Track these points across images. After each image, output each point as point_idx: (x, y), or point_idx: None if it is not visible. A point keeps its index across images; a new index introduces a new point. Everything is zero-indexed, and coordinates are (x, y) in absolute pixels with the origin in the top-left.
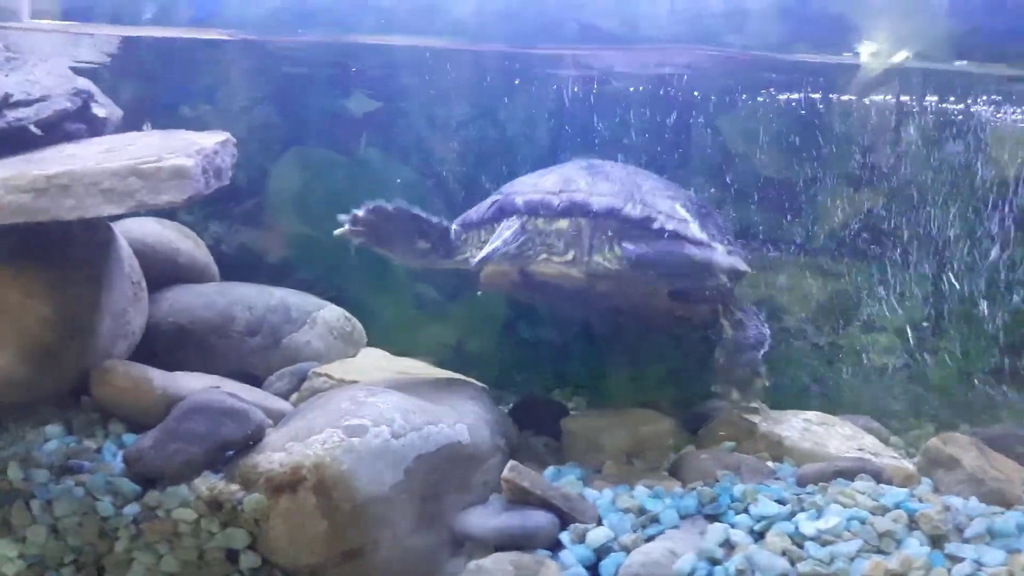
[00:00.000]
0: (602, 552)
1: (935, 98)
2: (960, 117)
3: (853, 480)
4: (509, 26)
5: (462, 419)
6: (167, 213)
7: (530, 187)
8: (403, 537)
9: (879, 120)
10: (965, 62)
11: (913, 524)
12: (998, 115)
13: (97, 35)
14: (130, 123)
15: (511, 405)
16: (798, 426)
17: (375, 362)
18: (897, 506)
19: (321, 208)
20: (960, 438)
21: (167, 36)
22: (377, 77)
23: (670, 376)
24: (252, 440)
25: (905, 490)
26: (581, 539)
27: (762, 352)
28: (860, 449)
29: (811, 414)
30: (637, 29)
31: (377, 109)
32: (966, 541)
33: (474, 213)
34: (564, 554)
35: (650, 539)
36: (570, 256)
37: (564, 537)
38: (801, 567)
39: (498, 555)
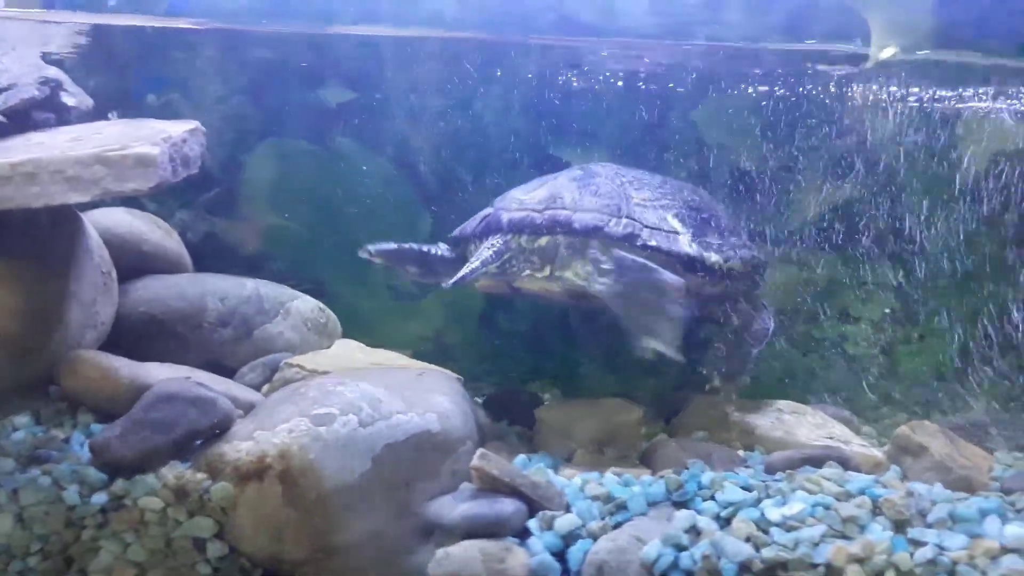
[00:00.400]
0: (570, 539)
1: (916, 89)
2: (933, 108)
3: (820, 467)
4: (486, 16)
5: (432, 408)
6: (140, 203)
7: (517, 203)
8: (372, 525)
9: (853, 111)
10: (953, 54)
11: (877, 510)
12: (970, 106)
13: (70, 24)
14: (102, 112)
15: (486, 396)
16: (770, 415)
17: (349, 353)
18: (862, 492)
19: (296, 199)
20: (929, 426)
21: (141, 25)
22: (353, 68)
23: (644, 366)
24: (219, 429)
25: (870, 477)
26: (549, 526)
27: (760, 347)
28: (830, 437)
29: (783, 403)
30: (615, 21)
31: (352, 100)
32: (929, 526)
33: (468, 226)
34: (532, 541)
35: (618, 526)
36: (547, 272)
37: (532, 524)
38: (765, 552)
39: (466, 542)
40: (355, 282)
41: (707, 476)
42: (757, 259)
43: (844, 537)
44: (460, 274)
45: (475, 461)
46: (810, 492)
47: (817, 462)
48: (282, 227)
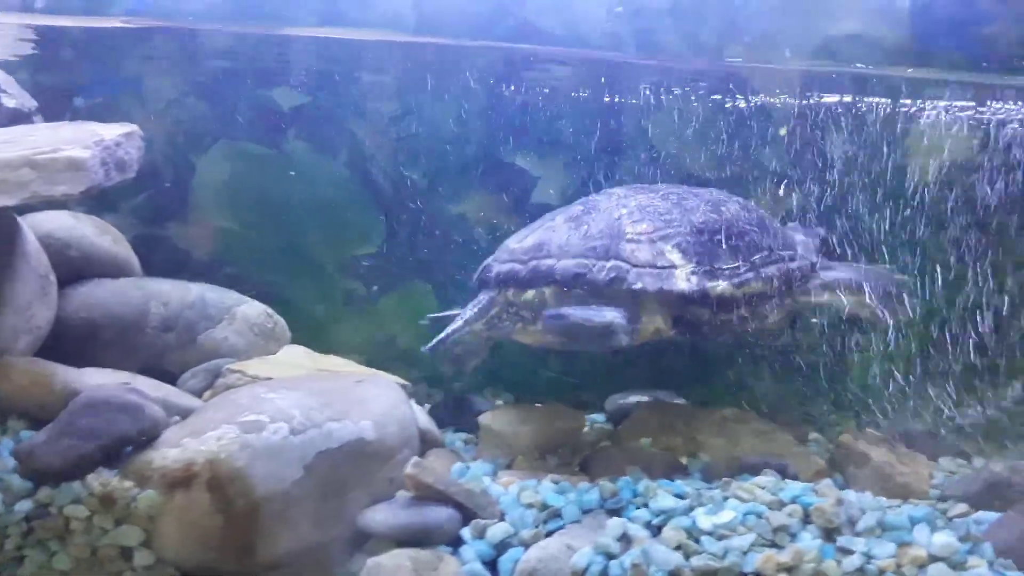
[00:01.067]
0: (502, 547)
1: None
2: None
3: (758, 475)
4: (446, 20)
5: (367, 416)
6: (91, 207)
7: (507, 253)
8: (303, 534)
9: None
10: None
11: (808, 518)
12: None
13: (18, 24)
14: (51, 115)
15: (433, 403)
16: (714, 422)
17: (296, 359)
18: (794, 500)
19: (248, 202)
20: (872, 435)
21: (93, 26)
22: (309, 71)
23: (595, 372)
24: (146, 436)
25: (803, 485)
26: (481, 534)
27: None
28: (771, 444)
29: (728, 411)
30: (575, 29)
31: (306, 103)
32: (858, 534)
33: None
34: (464, 549)
35: (550, 534)
36: (539, 325)
37: (465, 533)
38: (695, 561)
39: (397, 551)
40: (308, 286)
41: (643, 484)
42: (792, 271)
43: (774, 546)
44: (439, 337)
45: (409, 469)
46: (743, 500)
47: (755, 470)
48: (234, 231)
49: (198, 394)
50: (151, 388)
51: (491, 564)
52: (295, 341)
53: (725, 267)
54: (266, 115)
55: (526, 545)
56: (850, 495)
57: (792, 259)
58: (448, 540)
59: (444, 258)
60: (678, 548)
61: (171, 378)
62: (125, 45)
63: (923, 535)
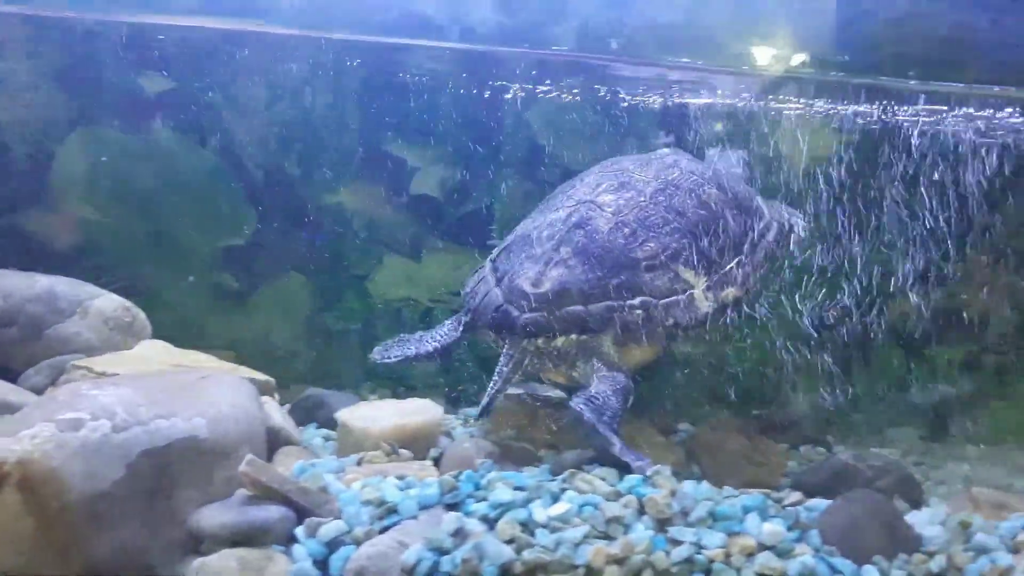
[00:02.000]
0: (334, 545)
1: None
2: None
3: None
4: (323, 12)
5: (203, 413)
6: None
7: (527, 300)
8: (128, 536)
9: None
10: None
11: (643, 509)
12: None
13: None
14: None
15: (296, 399)
16: None
17: (152, 355)
18: (629, 491)
19: (112, 192)
20: (728, 424)
21: None
22: (176, 59)
23: (470, 364)
24: None
25: (639, 476)
26: (314, 533)
27: None
28: (633, 435)
29: None
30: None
31: (174, 90)
32: (689, 525)
33: (473, 301)
34: (296, 548)
35: (385, 530)
36: (567, 367)
37: (299, 531)
38: (526, 554)
39: (225, 551)
40: (177, 279)
41: (489, 477)
42: (771, 245)
43: (607, 537)
44: (485, 401)
45: (242, 467)
46: (581, 492)
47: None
48: (97, 221)
49: (39, 391)
50: None
51: (322, 562)
52: (162, 336)
53: (728, 269)
54: (131, 102)
55: (358, 543)
56: (686, 486)
57: (768, 229)
58: (282, 539)
59: (320, 249)
60: (511, 541)
61: (12, 375)
62: None
63: (754, 524)
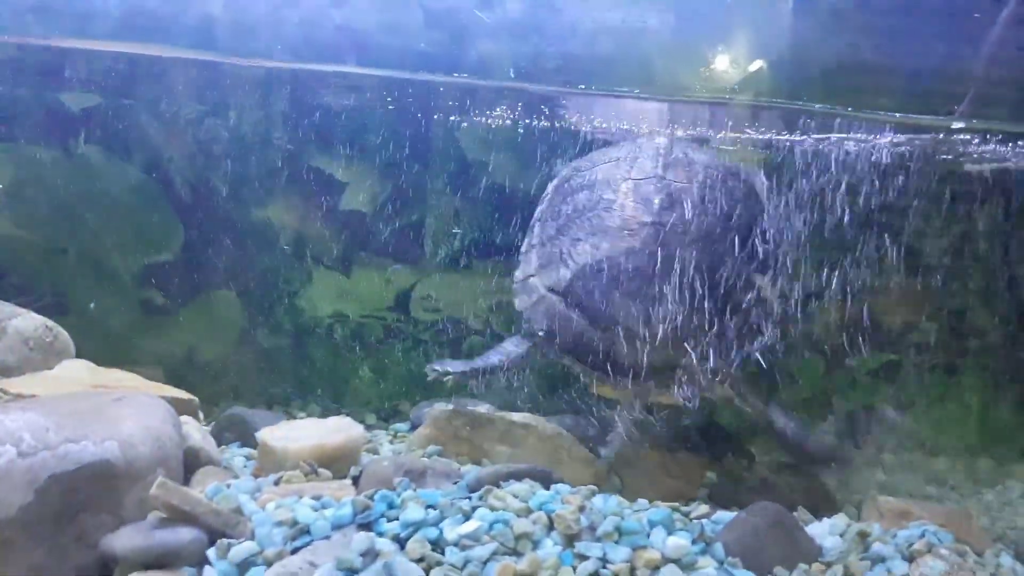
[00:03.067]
0: (244, 566)
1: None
2: None
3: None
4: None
5: (115, 436)
6: None
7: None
8: (36, 560)
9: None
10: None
11: (552, 525)
12: None
13: None
14: None
15: (217, 418)
16: (500, 429)
17: (73, 375)
18: (540, 507)
19: (34, 208)
20: (653, 438)
21: None
22: (103, 77)
23: (405, 383)
24: None
25: (550, 492)
26: (225, 554)
27: None
28: (554, 450)
29: (518, 416)
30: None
31: (98, 106)
32: (597, 539)
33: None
34: (207, 570)
35: (297, 551)
36: None
37: (211, 553)
38: (435, 572)
39: (136, 574)
40: (103, 296)
41: (404, 495)
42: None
43: (516, 554)
44: (459, 370)
45: (153, 490)
46: (493, 509)
47: (521, 477)
48: (18, 238)
49: None
50: None
51: None
52: (88, 355)
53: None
54: (53, 118)
55: (269, 563)
56: (596, 501)
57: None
58: (194, 561)
59: (248, 265)
60: (420, 560)
61: None
62: None
63: (659, 538)
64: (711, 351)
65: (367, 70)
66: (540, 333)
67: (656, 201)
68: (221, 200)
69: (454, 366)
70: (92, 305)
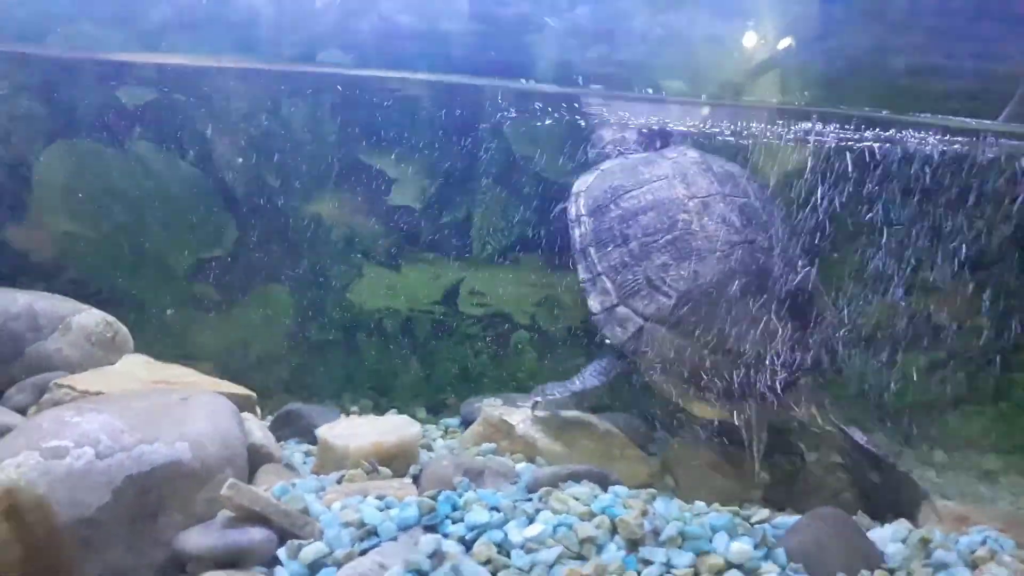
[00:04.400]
0: (315, 567)
1: None
2: None
3: (580, 483)
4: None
5: (185, 437)
6: None
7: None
8: (114, 561)
9: None
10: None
11: (616, 529)
12: None
13: None
14: None
15: (276, 414)
16: (553, 426)
17: (134, 371)
18: (603, 511)
19: (91, 204)
20: (702, 439)
21: None
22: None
23: (453, 377)
24: None
25: (611, 496)
26: (295, 555)
27: None
28: (607, 448)
29: (569, 415)
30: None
31: (153, 102)
32: (660, 544)
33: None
34: (278, 570)
35: (365, 552)
36: None
37: (281, 553)
38: (502, 575)
39: (211, 573)
40: (157, 292)
41: (467, 497)
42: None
43: (580, 558)
44: (552, 396)
45: (224, 491)
46: (556, 512)
47: (578, 478)
48: (77, 234)
49: (23, 410)
50: None
51: None
52: (143, 349)
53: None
54: (111, 114)
55: (339, 565)
56: (657, 505)
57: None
58: (264, 561)
59: (300, 260)
60: (487, 563)
61: None
62: None
63: (721, 543)
64: (822, 361)
65: (440, 76)
66: (656, 366)
67: (736, 219)
68: (273, 196)
69: (559, 390)
70: (151, 304)
